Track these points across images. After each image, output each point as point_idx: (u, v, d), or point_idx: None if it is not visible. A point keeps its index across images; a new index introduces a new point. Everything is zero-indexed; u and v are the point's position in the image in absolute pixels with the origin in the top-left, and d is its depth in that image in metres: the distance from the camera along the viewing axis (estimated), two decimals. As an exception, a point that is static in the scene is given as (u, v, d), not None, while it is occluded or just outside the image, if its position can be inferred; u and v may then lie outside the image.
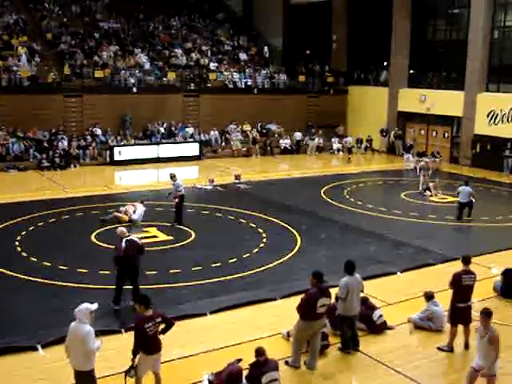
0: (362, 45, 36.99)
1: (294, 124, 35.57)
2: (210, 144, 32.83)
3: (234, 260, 15.09)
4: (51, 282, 13.26)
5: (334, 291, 10.53)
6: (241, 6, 44.74)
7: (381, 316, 11.31)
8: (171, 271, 14.13)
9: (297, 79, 37.73)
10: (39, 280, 13.35)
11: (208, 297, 12.58)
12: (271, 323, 11.42)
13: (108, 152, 29.25)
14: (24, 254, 15.16)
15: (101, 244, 16.00)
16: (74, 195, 22.16)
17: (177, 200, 18.24)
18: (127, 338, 10.16)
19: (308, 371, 9.76)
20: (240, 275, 13.97)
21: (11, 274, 13.70)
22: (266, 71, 37.08)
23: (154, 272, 13.94)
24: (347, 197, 22.91)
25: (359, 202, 21.89)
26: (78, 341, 7.78)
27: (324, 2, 38.89)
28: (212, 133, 33.14)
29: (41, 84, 29.56)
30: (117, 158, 29.02)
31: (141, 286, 12.23)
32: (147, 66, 33.45)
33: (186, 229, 17.79)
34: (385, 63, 36.49)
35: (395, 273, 14.48)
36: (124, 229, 12.39)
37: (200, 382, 9.27)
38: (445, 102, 31.60)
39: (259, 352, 8.83)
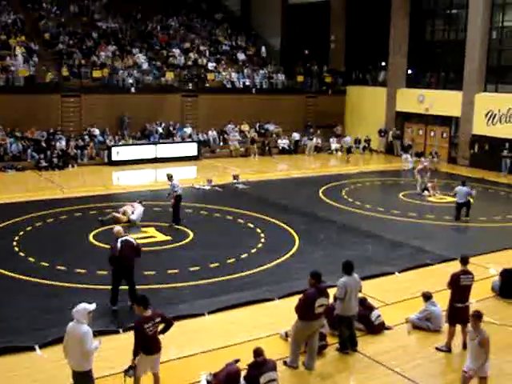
0: (360, 45, 37.03)
1: (292, 124, 35.59)
2: (209, 144, 32.83)
3: (232, 260, 15.08)
4: (49, 282, 13.24)
5: (332, 291, 10.54)
6: (239, 6, 44.75)
7: (379, 316, 11.31)
8: (169, 271, 14.12)
9: (295, 79, 37.74)
10: (37, 280, 13.33)
11: (206, 297, 12.58)
12: (269, 323, 11.42)
13: (106, 152, 29.22)
14: (22, 254, 15.14)
15: (99, 244, 15.98)
16: (72, 195, 22.13)
17: (173, 200, 18.24)
18: (125, 338, 10.17)
19: (306, 371, 9.76)
20: (238, 275, 13.97)
21: (9, 274, 13.68)
22: (264, 71, 37.08)
23: (152, 272, 13.94)
24: (345, 197, 22.92)
25: (357, 202, 21.89)
26: (76, 341, 7.77)
27: (322, 2, 38.90)
28: (210, 133, 33.13)
29: (39, 84, 29.53)
30: (115, 158, 28.99)
31: (139, 286, 12.23)
32: (145, 65, 33.43)
33: (184, 229, 17.78)
34: (383, 63, 36.52)
35: (393, 273, 14.49)
36: (120, 229, 12.35)
37: (198, 382, 9.27)
38: (443, 102, 31.63)
39: (257, 352, 8.83)
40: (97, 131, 30.29)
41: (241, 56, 38.11)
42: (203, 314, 11.78)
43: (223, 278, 13.74)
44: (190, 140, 31.81)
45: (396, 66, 34.57)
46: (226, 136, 33.46)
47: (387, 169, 30.30)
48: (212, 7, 42.58)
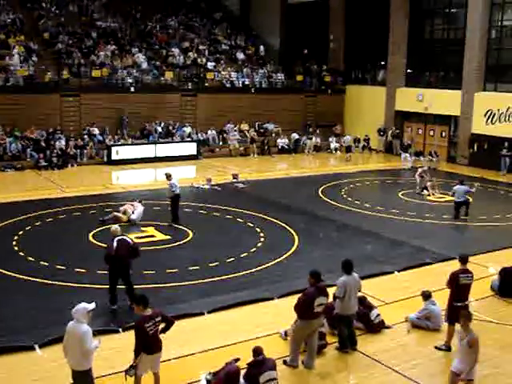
0: (359, 44, 37.03)
1: (291, 123, 35.60)
2: (208, 143, 32.83)
3: (232, 259, 15.09)
4: (49, 281, 13.25)
5: (331, 290, 10.55)
6: (238, 6, 44.74)
7: (378, 315, 11.32)
8: (168, 271, 14.13)
9: (294, 79, 37.72)
10: (36, 280, 13.33)
11: (205, 296, 12.58)
12: (269, 323, 11.43)
13: (105, 151, 29.23)
14: (21, 254, 15.14)
15: (98, 244, 15.97)
16: (72, 195, 22.13)
17: (169, 199, 18.27)
18: (125, 338, 10.18)
19: (306, 370, 9.77)
20: (237, 275, 13.98)
21: (8, 273, 13.68)
22: (264, 70, 37.07)
23: (152, 271, 13.95)
24: (345, 196, 22.93)
25: (357, 202, 21.90)
26: (76, 340, 7.78)
27: (321, 2, 38.88)
28: (209, 132, 33.13)
29: (38, 83, 29.52)
30: (114, 157, 28.99)
31: (139, 286, 12.24)
32: (145, 65, 33.42)
33: (184, 228, 17.79)
34: (382, 62, 36.48)
35: (393, 272, 14.51)
36: (118, 228, 12.33)
37: (198, 381, 9.28)
38: (442, 101, 31.64)
39: (257, 351, 8.84)
40: (96, 131, 30.29)
41: (240, 55, 38.10)
42: (203, 314, 11.79)
43: (223, 278, 13.75)
44: (189, 139, 31.80)
45: (395, 65, 34.57)
46: (225, 135, 33.46)
47: (386, 168, 30.31)
48: (211, 7, 42.57)
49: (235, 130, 33.84)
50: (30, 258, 14.79)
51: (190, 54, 35.80)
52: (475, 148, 30.32)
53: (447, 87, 32.19)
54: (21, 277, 13.49)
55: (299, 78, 37.73)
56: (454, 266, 11.56)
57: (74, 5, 36.50)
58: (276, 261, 15.04)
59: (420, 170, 24.16)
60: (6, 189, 23.22)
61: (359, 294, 10.75)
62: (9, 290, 12.83)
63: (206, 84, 34.18)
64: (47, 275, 13.58)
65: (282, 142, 34.26)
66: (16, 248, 15.62)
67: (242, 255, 15.44)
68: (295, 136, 34.75)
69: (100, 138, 30.16)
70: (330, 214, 19.99)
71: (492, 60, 30.34)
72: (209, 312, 11.85)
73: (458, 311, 10.39)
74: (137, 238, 16.41)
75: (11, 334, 10.60)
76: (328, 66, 39.12)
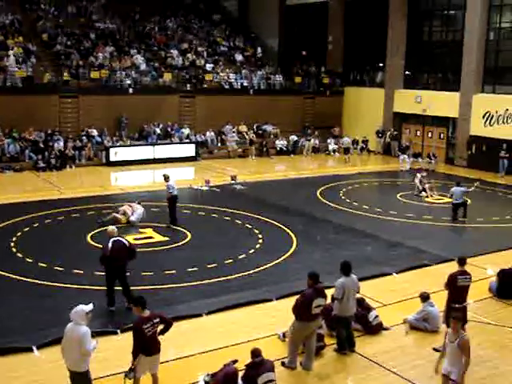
0: (358, 46, 37.07)
1: (290, 125, 35.63)
2: (206, 145, 32.84)
3: (230, 261, 15.09)
4: (47, 282, 13.24)
5: (330, 292, 10.55)
6: (237, 7, 44.76)
7: (376, 317, 11.32)
8: (167, 272, 14.12)
9: (293, 80, 37.77)
10: (35, 281, 13.33)
11: (204, 297, 12.58)
12: (267, 324, 11.43)
13: (104, 153, 29.23)
14: (19, 255, 15.13)
15: (97, 245, 15.96)
16: (70, 196, 22.12)
17: (166, 200, 18.27)
18: (123, 339, 10.17)
19: (304, 372, 9.77)
20: (236, 276, 13.97)
21: (7, 274, 13.67)
22: (262, 72, 37.09)
23: (150, 273, 13.94)
24: (343, 198, 22.94)
25: (355, 203, 21.91)
26: (75, 342, 7.77)
27: (320, 3, 38.95)
28: (208, 134, 33.14)
29: (37, 85, 29.51)
30: (113, 158, 28.98)
31: (137, 287, 12.24)
32: (143, 66, 33.43)
33: (182, 229, 17.79)
34: (381, 64, 36.56)
35: (391, 273, 14.51)
36: (114, 229, 12.30)
37: (196, 382, 9.27)
38: (440, 103, 31.68)
39: (255, 353, 8.84)
40: (95, 132, 30.28)
41: (238, 57, 38.14)
42: (201, 315, 11.79)
43: (221, 279, 13.75)
44: (187, 141, 31.82)
45: (394, 66, 34.62)
46: (223, 137, 33.47)
47: (385, 169, 30.35)
48: (210, 8, 42.60)
49: (234, 132, 33.85)
50: (29, 259, 14.79)
51: (189, 55, 35.83)
52: (473, 150, 30.36)
53: (445, 89, 32.25)
54: (19, 278, 13.48)
55: (298, 79, 37.77)
56: (453, 267, 11.58)
57: (73, 6, 36.49)
58: (274, 262, 15.04)
59: (419, 175, 24.07)
60: (5, 190, 23.19)
61: (358, 295, 10.75)
62: (7, 290, 12.81)
63: (205, 85, 34.20)
64: (45, 276, 13.56)
65: (281, 143, 34.27)
66: (14, 249, 15.60)
67: (240, 257, 15.44)
68: (294, 137, 34.77)
69: (98, 139, 30.17)
70: (329, 216, 20.00)
71: (490, 62, 30.39)
72: (207, 313, 11.85)
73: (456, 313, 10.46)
74: (135, 239, 16.45)
75: (8, 335, 10.58)
76: (326, 67, 39.16)
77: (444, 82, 33.40)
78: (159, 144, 30.66)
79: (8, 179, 25.64)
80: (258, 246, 16.46)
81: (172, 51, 35.63)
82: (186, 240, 16.91)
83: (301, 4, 40.49)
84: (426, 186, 23.56)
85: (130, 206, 18.79)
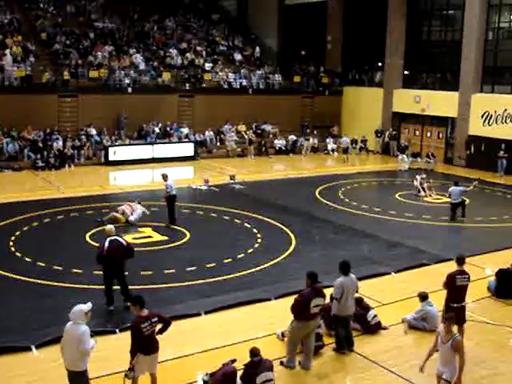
0: (356, 45, 37.07)
1: (288, 124, 35.62)
2: (205, 144, 32.83)
3: (229, 260, 15.09)
4: (46, 282, 13.24)
5: (329, 291, 10.56)
6: (236, 7, 44.75)
7: (375, 316, 11.34)
8: (166, 271, 14.13)
9: (292, 80, 37.76)
10: (34, 280, 13.33)
11: (202, 297, 12.59)
12: (266, 323, 11.44)
13: (103, 152, 29.21)
14: (18, 254, 15.13)
15: (95, 244, 15.94)
16: (69, 195, 22.11)
17: (163, 199, 18.28)
18: (122, 338, 10.17)
19: (303, 371, 9.78)
20: (235, 275, 13.99)
21: (5, 274, 13.67)
22: (261, 72, 37.09)
23: (149, 272, 13.95)
24: (342, 197, 22.95)
25: (354, 203, 21.92)
26: (75, 341, 7.77)
27: (319, 3, 38.95)
28: (207, 133, 33.14)
29: (36, 84, 29.50)
30: (111, 158, 28.97)
31: (136, 286, 12.25)
32: (142, 66, 33.41)
33: (181, 229, 17.79)
34: (379, 64, 36.57)
35: (390, 273, 14.53)
36: (112, 228, 12.29)
37: (195, 382, 9.28)
38: (439, 102, 31.70)
39: (254, 352, 8.85)
40: (93, 131, 30.26)
41: (237, 56, 38.13)
42: (200, 314, 11.80)
43: (220, 278, 13.75)
44: (186, 140, 31.82)
45: (392, 66, 34.64)
46: (222, 136, 33.47)
47: (383, 169, 30.36)
48: (209, 8, 42.60)
49: (232, 131, 33.85)
50: (27, 259, 14.78)
51: (188, 54, 35.82)
52: (472, 149, 30.38)
53: (444, 89, 32.27)
54: (18, 277, 13.48)
55: (296, 79, 37.78)
56: (451, 267, 11.59)
57: (72, 5, 36.49)
58: (273, 262, 15.05)
59: (419, 177, 24.03)
60: (4, 189, 23.18)
61: (356, 295, 10.76)
62: (6, 290, 12.80)
63: (204, 85, 34.20)
64: (44, 276, 13.56)
65: (280, 143, 34.27)
66: (13, 248, 15.60)
67: (239, 256, 15.45)
68: (293, 137, 34.77)
69: (97, 138, 30.15)
70: (327, 215, 20.01)
71: (489, 62, 30.41)
72: (206, 313, 11.86)
73: (454, 312, 10.46)
74: (134, 238, 16.46)
75: (7, 335, 10.58)
76: (325, 67, 39.17)
77: (443, 82, 33.42)
78: (158, 143, 30.65)
79: (7, 178, 25.62)
80: (256, 245, 16.46)
81: (171, 50, 35.63)
82: (185, 239, 16.92)
83: (300, 4, 40.50)
84: (425, 185, 23.58)
85: (130, 206, 18.78)
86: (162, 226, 18.00)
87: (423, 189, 23.50)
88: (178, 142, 31.38)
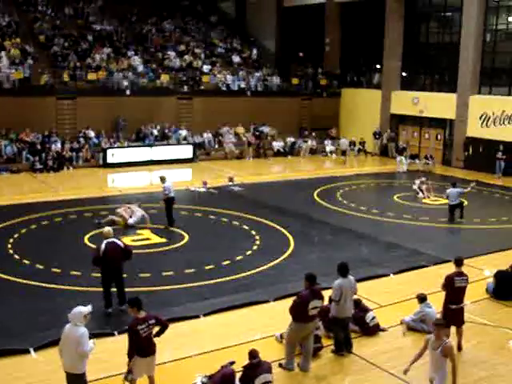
0: (354, 47, 37.13)
1: (287, 126, 35.62)
2: (204, 146, 32.84)
3: (227, 262, 15.09)
4: (44, 284, 13.23)
5: (327, 293, 10.56)
6: (234, 9, 44.77)
7: (374, 318, 11.34)
8: (164, 273, 14.11)
9: (290, 82, 37.78)
10: (32, 283, 13.31)
11: (201, 299, 12.59)
12: (264, 325, 11.44)
13: (101, 154, 29.19)
14: (17, 257, 15.10)
15: (94, 246, 15.92)
16: (67, 198, 22.06)
17: (162, 202, 18.28)
18: (120, 341, 10.16)
19: (301, 373, 9.78)
20: (233, 277, 13.98)
21: (4, 276, 13.65)
22: (260, 74, 37.11)
23: (147, 274, 13.94)
24: (340, 199, 22.96)
25: (352, 204, 21.93)
26: (73, 343, 7.77)
27: (317, 5, 38.97)
28: (205, 135, 33.14)
29: (34, 86, 29.48)
30: (110, 160, 28.96)
31: (134, 289, 12.24)
32: (140, 68, 33.42)
33: (180, 231, 17.78)
34: (377, 66, 36.62)
35: (388, 275, 14.53)
36: (110, 230, 12.26)
37: (193, 384, 9.28)
38: (437, 104, 31.74)
39: (253, 354, 8.85)
40: (92, 133, 30.26)
41: (236, 58, 38.14)
42: (198, 316, 11.80)
43: (218, 280, 13.74)
44: (185, 142, 31.81)
45: (390, 68, 34.68)
46: (221, 138, 33.48)
47: (382, 171, 30.38)
48: (207, 10, 42.63)
49: (231, 133, 33.86)
50: (26, 261, 14.76)
51: (186, 57, 35.84)
52: (470, 151, 30.41)
53: (442, 90, 32.33)
54: (16, 280, 13.46)
55: (295, 81, 37.79)
56: (449, 268, 11.60)
57: (70, 7, 36.49)
58: (271, 263, 15.04)
59: (418, 181, 24.01)
60: (2, 191, 23.18)
61: (355, 296, 10.76)
62: (3, 292, 12.78)
63: (202, 87, 34.21)
64: (42, 278, 13.55)
65: (278, 144, 34.28)
66: (11, 251, 15.58)
67: (237, 258, 15.44)
68: (291, 139, 34.80)
69: (96, 140, 30.14)
70: (326, 217, 20.01)
71: (487, 63, 30.46)
72: (205, 315, 11.85)
73: (453, 314, 10.47)
74: (133, 240, 16.46)
75: (5, 337, 10.56)
76: (324, 69, 39.22)
77: (441, 84, 33.49)
78: (156, 145, 30.63)
79: (5, 181, 25.59)
80: (255, 247, 16.46)
81: (169, 53, 35.64)
82: (184, 241, 16.91)
83: (298, 6, 40.51)
84: (424, 187, 23.60)
85: (129, 208, 18.75)
86: (160, 228, 17.99)
87: (421, 191, 23.53)
88: (177, 144, 31.37)
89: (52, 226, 18.27)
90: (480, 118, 29.74)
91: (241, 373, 8.87)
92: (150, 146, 30.45)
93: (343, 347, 10.42)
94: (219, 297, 12.70)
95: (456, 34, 31.56)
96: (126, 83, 31.70)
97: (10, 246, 15.99)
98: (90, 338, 8.04)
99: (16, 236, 16.89)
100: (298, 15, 40.08)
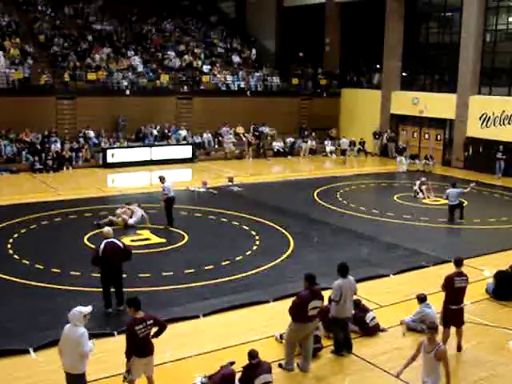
0: (354, 47, 37.11)
1: (287, 126, 35.62)
2: (203, 146, 32.84)
3: (227, 262, 15.08)
4: (44, 284, 13.22)
5: (327, 294, 10.55)
6: (234, 9, 44.76)
7: (374, 318, 11.33)
8: (164, 274, 14.11)
9: (290, 82, 37.78)
10: (32, 283, 13.30)
11: (201, 299, 12.58)
12: (264, 325, 11.43)
13: (101, 154, 29.19)
14: (16, 257, 15.10)
15: (94, 246, 15.91)
16: (67, 198, 22.07)
17: (162, 202, 18.27)
18: (120, 341, 10.14)
19: (301, 374, 9.77)
20: (233, 278, 13.98)
21: (3, 276, 13.64)
22: (259, 74, 37.11)
23: (147, 274, 13.93)
24: (340, 199, 22.95)
25: (352, 205, 21.92)
26: (73, 343, 7.77)
27: (317, 5, 38.97)
28: (205, 135, 33.14)
29: (34, 86, 29.47)
30: (110, 160, 28.96)
31: (134, 289, 12.23)
32: (140, 68, 33.42)
33: (179, 231, 17.78)
34: (377, 66, 36.62)
35: (388, 275, 14.52)
36: (110, 230, 12.26)
37: (193, 384, 9.27)
38: (437, 104, 31.74)
39: (252, 354, 8.84)
40: (92, 133, 30.26)
41: (236, 58, 38.15)
42: (198, 317, 11.79)
43: (218, 281, 13.73)
44: (184, 142, 31.82)
45: (390, 68, 34.67)
46: (220, 138, 33.47)
47: (382, 171, 30.38)
48: (207, 10, 42.61)
49: (231, 133, 33.85)
50: (25, 261, 14.75)
51: (186, 57, 35.84)
52: (470, 151, 30.42)
53: (442, 90, 32.32)
54: (16, 280, 13.46)
55: (295, 81, 37.80)
56: (449, 269, 11.58)
57: (70, 7, 36.48)
58: (271, 264, 15.03)
59: (418, 182, 24.00)
60: (1, 191, 23.17)
61: (355, 297, 10.76)
62: (3, 292, 12.78)
63: (202, 87, 34.21)
64: (42, 278, 13.54)
65: (278, 145, 34.28)
66: (11, 251, 15.57)
67: (237, 258, 15.44)
68: (291, 139, 34.80)
69: (95, 140, 30.15)
70: (326, 217, 20.00)
71: (487, 63, 30.46)
72: (204, 315, 11.85)
73: (453, 314, 10.46)
74: (132, 240, 16.45)
75: (5, 337, 10.56)
76: (323, 69, 39.22)
77: (441, 84, 33.49)
78: (156, 145, 30.64)
79: (5, 181, 25.59)
80: (255, 247, 16.45)
81: (169, 53, 35.64)
82: (183, 242, 16.90)
83: (298, 6, 40.51)
84: (424, 187, 23.59)
85: (129, 209, 18.73)
86: (160, 228, 17.99)
87: (421, 191, 23.52)
88: (176, 145, 31.38)
89: (52, 226, 18.26)
90: (480, 119, 29.74)
91: (240, 373, 8.87)
92: (150, 146, 30.44)
93: (343, 348, 10.41)
94: (219, 297, 12.69)
95: (456, 34, 31.56)
96: (125, 83, 31.70)
97: (9, 246, 15.99)
98: (90, 338, 8.04)
99: (15, 236, 16.88)
100: (297, 15, 40.07)
